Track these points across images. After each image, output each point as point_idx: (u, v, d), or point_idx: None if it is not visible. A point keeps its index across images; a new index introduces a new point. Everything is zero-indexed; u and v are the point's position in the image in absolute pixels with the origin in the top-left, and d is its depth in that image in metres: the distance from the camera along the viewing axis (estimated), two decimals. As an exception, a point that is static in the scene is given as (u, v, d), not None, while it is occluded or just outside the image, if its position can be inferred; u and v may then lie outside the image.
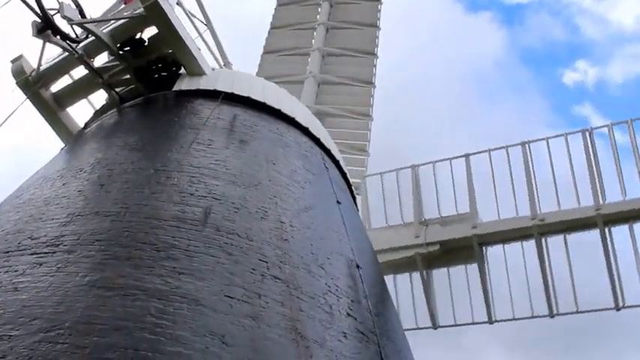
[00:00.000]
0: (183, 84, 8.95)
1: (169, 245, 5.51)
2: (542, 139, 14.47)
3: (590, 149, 13.94)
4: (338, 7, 19.76)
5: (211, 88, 8.80)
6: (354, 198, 9.62)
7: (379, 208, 15.05)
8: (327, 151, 9.24)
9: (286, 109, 9.00)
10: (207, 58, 9.95)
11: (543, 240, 13.62)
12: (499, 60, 52.46)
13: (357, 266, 6.67)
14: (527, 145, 14.39)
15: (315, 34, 18.96)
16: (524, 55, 55.43)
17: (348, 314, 5.87)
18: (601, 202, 13.36)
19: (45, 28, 8.56)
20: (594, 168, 13.72)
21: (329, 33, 19.09)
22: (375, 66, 17.97)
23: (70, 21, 8.66)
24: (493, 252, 14.12)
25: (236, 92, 8.80)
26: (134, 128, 8.12)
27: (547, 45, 53.25)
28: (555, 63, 56.64)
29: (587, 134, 14.10)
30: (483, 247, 14.06)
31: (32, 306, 4.80)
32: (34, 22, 8.58)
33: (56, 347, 4.39)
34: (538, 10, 54.78)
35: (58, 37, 8.74)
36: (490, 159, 14.55)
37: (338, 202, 7.81)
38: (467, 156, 14.68)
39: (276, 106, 8.93)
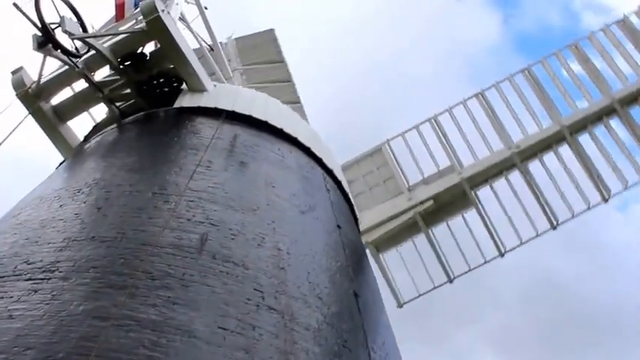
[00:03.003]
0: (185, 101, 8.90)
1: (165, 274, 5.48)
2: (492, 85, 15.81)
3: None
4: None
5: (212, 106, 8.74)
6: (355, 219, 9.53)
7: (365, 192, 15.64)
8: (329, 172, 9.15)
9: (288, 129, 8.93)
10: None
11: (523, 166, 15.12)
12: (493, 47, 51.48)
13: (355, 294, 6.61)
14: (480, 95, 15.66)
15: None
16: (518, 41, 54.05)
17: (344, 346, 5.81)
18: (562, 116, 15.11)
19: (46, 42, 8.53)
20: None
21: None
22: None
23: (72, 35, 8.63)
24: (481, 195, 15.42)
25: (237, 110, 8.73)
26: (133, 147, 8.07)
27: (543, 32, 52.00)
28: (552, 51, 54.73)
29: (527, 72, 15.83)
30: (474, 191, 15.13)
31: (27, 335, 4.80)
32: (34, 36, 8.55)
33: (49, 378, 4.40)
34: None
35: (59, 51, 8.70)
36: (452, 116, 15.74)
37: (338, 226, 7.75)
38: (433, 118, 15.73)
39: (278, 125, 8.85)
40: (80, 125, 10.07)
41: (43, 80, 9.42)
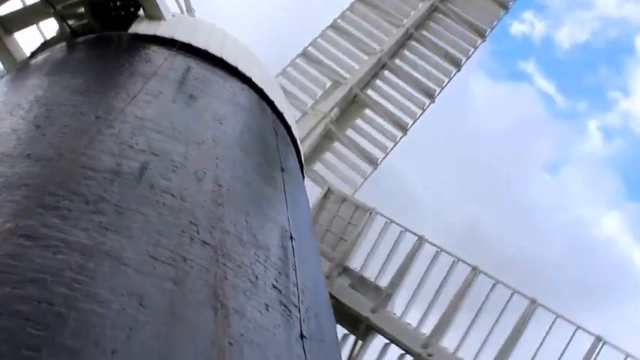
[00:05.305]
0: (140, 27, 8.63)
1: (100, 198, 5.38)
2: (496, 282, 13.13)
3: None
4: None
5: (168, 36, 8.50)
6: (302, 166, 9.53)
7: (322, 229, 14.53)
8: (280, 115, 9.07)
9: (243, 68, 8.78)
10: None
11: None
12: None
13: (291, 237, 6.65)
14: (477, 270, 13.22)
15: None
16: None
17: (274, 286, 5.86)
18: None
19: (-3, -52, 8.13)
20: None
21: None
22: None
23: (26, -56, 8.23)
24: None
25: (193, 44, 8.53)
26: (81, 68, 7.81)
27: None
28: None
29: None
30: (371, 331, 13.40)
31: None
32: None
33: (-34, 295, 4.27)
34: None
35: (11, -41, 8.30)
36: (435, 257, 13.68)
37: (282, 169, 7.74)
38: (421, 239, 13.73)
39: (233, 63, 8.69)
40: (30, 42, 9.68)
41: (-9, -12, 9.01)
